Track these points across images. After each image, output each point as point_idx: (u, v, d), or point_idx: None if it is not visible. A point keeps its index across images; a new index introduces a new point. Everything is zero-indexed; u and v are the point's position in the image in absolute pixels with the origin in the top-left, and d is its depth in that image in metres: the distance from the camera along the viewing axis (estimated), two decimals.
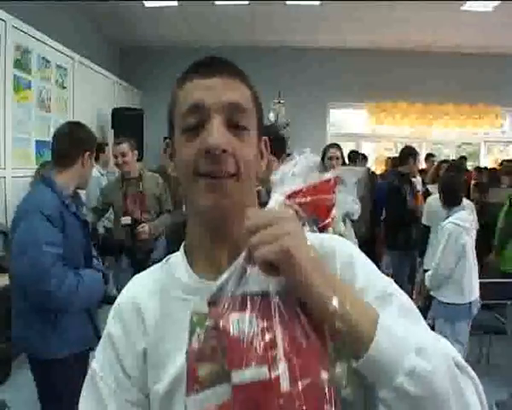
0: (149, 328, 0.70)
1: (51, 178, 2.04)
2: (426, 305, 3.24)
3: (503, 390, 3.10)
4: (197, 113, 0.67)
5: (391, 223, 4.47)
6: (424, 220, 4.07)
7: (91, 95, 6.13)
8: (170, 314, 0.70)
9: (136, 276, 0.79)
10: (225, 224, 0.69)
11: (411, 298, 0.71)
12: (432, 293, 3.07)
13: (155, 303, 0.72)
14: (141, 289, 0.75)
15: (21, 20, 4.28)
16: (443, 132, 8.98)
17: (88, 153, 2.11)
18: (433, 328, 3.05)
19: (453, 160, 6.71)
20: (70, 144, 2.09)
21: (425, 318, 3.07)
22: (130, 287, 0.77)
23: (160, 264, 0.78)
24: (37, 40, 4.63)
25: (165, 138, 0.76)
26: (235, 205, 0.67)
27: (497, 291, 3.53)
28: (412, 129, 8.93)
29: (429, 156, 6.91)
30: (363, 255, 0.73)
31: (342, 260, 0.69)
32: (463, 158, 7.27)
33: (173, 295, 0.71)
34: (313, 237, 0.72)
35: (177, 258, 0.76)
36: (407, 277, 4.42)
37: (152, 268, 0.78)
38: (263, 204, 0.66)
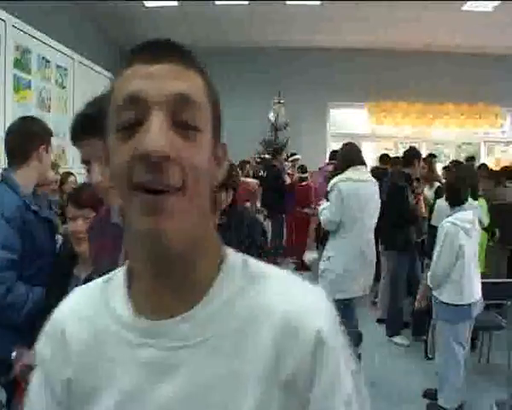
0: (74, 356, 0.60)
1: (11, 177, 1.91)
2: (426, 306, 3.23)
3: (503, 390, 3.09)
4: (134, 107, 0.52)
5: (390, 222, 4.46)
6: (433, 221, 4.08)
7: (91, 95, 6.10)
8: (99, 346, 0.58)
9: (75, 290, 0.66)
10: (168, 254, 0.53)
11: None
12: (433, 293, 3.06)
13: (83, 330, 0.60)
14: (72, 310, 0.64)
15: (21, 20, 4.28)
16: (443, 132, 8.98)
17: (43, 146, 1.95)
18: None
19: (455, 160, 6.69)
20: (23, 140, 1.94)
21: (427, 320, 3.02)
22: (64, 304, 0.65)
23: (102, 280, 0.65)
24: (37, 40, 4.63)
25: None
26: (180, 229, 0.52)
27: (497, 291, 3.52)
28: (412, 129, 8.93)
29: (430, 156, 6.90)
30: (339, 337, 0.58)
31: (305, 347, 0.54)
32: (472, 158, 7.23)
33: (106, 324, 0.59)
34: (278, 303, 0.56)
35: (119, 280, 0.62)
36: (406, 277, 4.41)
37: (93, 284, 0.65)
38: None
